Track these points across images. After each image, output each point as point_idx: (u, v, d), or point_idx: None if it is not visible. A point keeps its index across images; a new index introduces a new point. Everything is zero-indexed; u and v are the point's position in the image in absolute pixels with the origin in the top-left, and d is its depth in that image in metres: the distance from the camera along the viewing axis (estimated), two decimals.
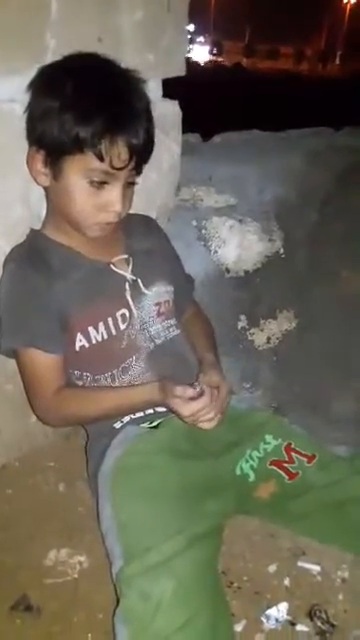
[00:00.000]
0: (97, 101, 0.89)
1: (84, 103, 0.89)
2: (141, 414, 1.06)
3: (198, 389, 0.96)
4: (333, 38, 47.26)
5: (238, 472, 1.05)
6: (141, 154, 0.94)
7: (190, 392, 0.95)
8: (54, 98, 0.90)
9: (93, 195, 0.94)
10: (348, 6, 49.06)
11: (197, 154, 1.66)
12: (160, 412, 1.06)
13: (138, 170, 0.97)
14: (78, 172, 0.92)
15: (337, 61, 43.87)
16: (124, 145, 0.91)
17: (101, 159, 0.90)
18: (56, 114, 0.89)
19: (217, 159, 1.67)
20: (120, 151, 0.91)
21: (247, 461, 1.06)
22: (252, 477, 1.04)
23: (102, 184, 0.93)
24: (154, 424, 1.06)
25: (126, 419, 1.06)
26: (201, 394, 0.95)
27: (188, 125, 1.38)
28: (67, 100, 0.89)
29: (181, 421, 1.03)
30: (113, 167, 0.91)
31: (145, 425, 1.06)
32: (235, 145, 1.89)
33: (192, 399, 0.95)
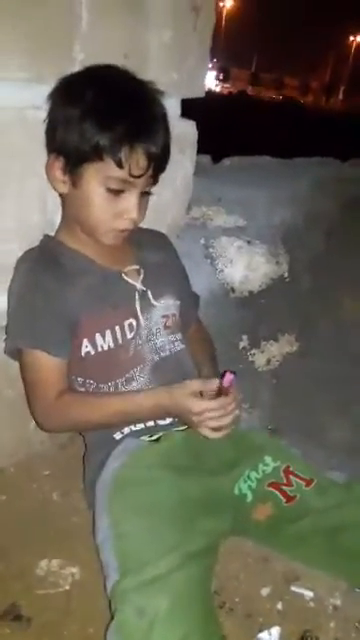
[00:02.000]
0: (117, 109, 0.91)
1: (104, 111, 0.90)
2: (142, 426, 1.06)
3: (218, 384, 0.96)
4: (338, 73, 48.41)
5: (236, 492, 1.05)
6: (159, 162, 0.96)
7: (211, 385, 0.96)
8: (75, 106, 0.92)
9: (110, 202, 0.96)
10: (354, 44, 50.52)
11: (208, 175, 1.69)
12: (161, 425, 1.06)
13: (155, 179, 0.99)
14: (97, 179, 0.94)
15: (340, 96, 44.89)
16: (143, 153, 0.92)
17: (120, 166, 0.91)
18: (77, 122, 0.91)
19: (227, 181, 1.70)
20: (139, 159, 0.92)
21: (245, 481, 1.05)
22: (250, 498, 1.04)
23: (119, 192, 0.95)
24: (154, 437, 1.05)
25: (126, 430, 1.06)
26: (220, 393, 0.95)
27: (200, 147, 1.39)
28: (87, 108, 0.90)
29: (182, 435, 1.04)
30: (132, 175, 0.93)
31: (145, 438, 1.06)
32: (244, 168, 1.93)
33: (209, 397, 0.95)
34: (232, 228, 1.56)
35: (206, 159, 1.93)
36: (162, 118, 0.96)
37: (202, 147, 1.40)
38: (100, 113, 0.90)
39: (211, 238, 1.51)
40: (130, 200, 0.96)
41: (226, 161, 2.00)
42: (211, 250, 1.51)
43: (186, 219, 1.47)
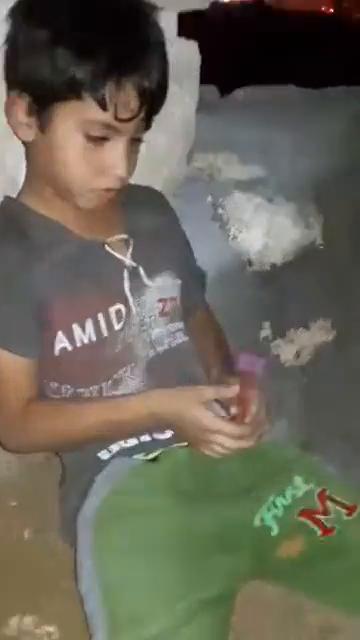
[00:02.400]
0: (100, 31, 0.90)
1: (83, 34, 0.89)
2: (135, 442, 1.06)
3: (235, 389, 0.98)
4: None
5: (257, 523, 1.05)
6: (153, 102, 0.95)
7: (228, 392, 0.98)
8: (44, 27, 0.90)
9: (90, 153, 0.95)
10: None
11: (215, 113, 1.68)
12: (160, 440, 1.07)
13: (147, 123, 0.98)
14: (72, 124, 0.93)
15: None
16: (133, 89, 0.91)
17: (103, 107, 0.90)
18: (46, 48, 0.89)
19: (240, 120, 1.69)
20: (128, 97, 0.91)
21: (269, 509, 1.06)
22: (275, 530, 1.05)
23: (102, 140, 0.94)
24: (152, 456, 1.06)
25: (115, 448, 1.06)
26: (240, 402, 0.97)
27: (202, 76, 1.38)
28: (61, 30, 0.89)
29: (187, 452, 1.05)
30: (118, 118, 0.92)
31: (140, 457, 1.06)
32: (263, 102, 1.92)
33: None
34: (248, 181, 1.55)
35: (212, 91, 1.93)
36: (158, 43, 0.95)
37: (206, 76, 1.39)
38: (78, 36, 0.89)
39: (220, 195, 1.51)
40: (116, 151, 0.95)
41: (238, 93, 1.99)
42: (221, 211, 1.51)
43: (187, 171, 1.46)
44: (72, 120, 0.92)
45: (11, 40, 0.96)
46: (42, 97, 0.92)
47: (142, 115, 0.94)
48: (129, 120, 0.93)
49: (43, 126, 0.95)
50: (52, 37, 0.89)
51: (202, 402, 0.99)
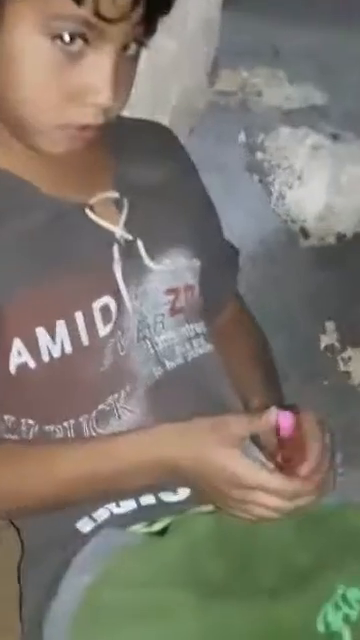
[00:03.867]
0: None
1: None
2: (132, 505, 1.07)
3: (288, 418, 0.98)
4: None
5: (321, 628, 1.04)
6: None
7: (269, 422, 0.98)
8: None
9: (59, 69, 0.94)
10: None
11: (251, 5, 1.67)
12: (170, 503, 1.08)
13: (149, 27, 0.97)
14: (34, 23, 0.92)
15: None
16: None
17: None
18: None
19: (288, 14, 1.68)
20: None
21: (338, 607, 1.05)
22: (347, 637, 1.03)
23: (79, 52, 0.93)
24: (158, 527, 1.07)
25: (102, 515, 1.08)
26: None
27: None
28: None
29: (210, 521, 1.06)
30: (101, 16, 0.90)
31: (139, 528, 1.07)
32: None
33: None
34: (300, 110, 1.54)
35: None
36: None
37: None
38: None
39: (259, 132, 1.50)
40: (98, 66, 0.94)
41: None
42: (260, 156, 1.50)
43: (209, 96, 1.45)
44: (33, 17, 0.91)
45: None
46: None
47: (139, 14, 0.92)
48: (118, 20, 0.91)
49: None
50: None
51: (233, 442, 0.99)
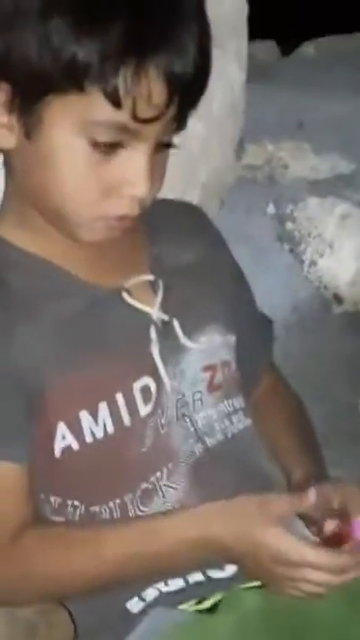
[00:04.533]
0: None
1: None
2: (180, 583, 1.07)
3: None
4: None
5: None
6: (188, 92, 0.95)
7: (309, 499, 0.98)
8: None
9: (97, 167, 0.96)
10: None
11: (274, 79, 1.69)
12: (218, 579, 1.07)
13: (180, 123, 0.98)
14: (72, 126, 0.94)
15: None
16: (159, 76, 0.91)
17: (116, 104, 0.91)
18: (35, 19, 0.91)
19: (313, 87, 1.69)
20: (152, 89, 0.91)
21: None
22: None
23: (114, 148, 0.95)
24: (207, 604, 1.06)
25: (151, 594, 1.06)
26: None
27: (256, 29, 1.40)
28: None
29: (259, 597, 1.04)
30: (137, 118, 0.92)
31: (188, 606, 1.06)
32: (345, 60, 1.93)
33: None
34: (327, 180, 1.54)
35: (270, 48, 1.94)
36: (194, 7, 0.96)
37: (260, 29, 1.39)
38: (79, 3, 0.90)
39: (287, 203, 1.50)
40: (134, 163, 0.95)
41: (307, 47, 2.00)
42: (290, 226, 1.50)
43: (237, 170, 1.46)
44: (71, 121, 0.93)
45: None
46: (28, 88, 0.94)
47: (172, 112, 0.94)
48: (153, 120, 0.93)
49: (29, 129, 0.96)
50: (43, 5, 0.90)
51: (277, 521, 0.98)
